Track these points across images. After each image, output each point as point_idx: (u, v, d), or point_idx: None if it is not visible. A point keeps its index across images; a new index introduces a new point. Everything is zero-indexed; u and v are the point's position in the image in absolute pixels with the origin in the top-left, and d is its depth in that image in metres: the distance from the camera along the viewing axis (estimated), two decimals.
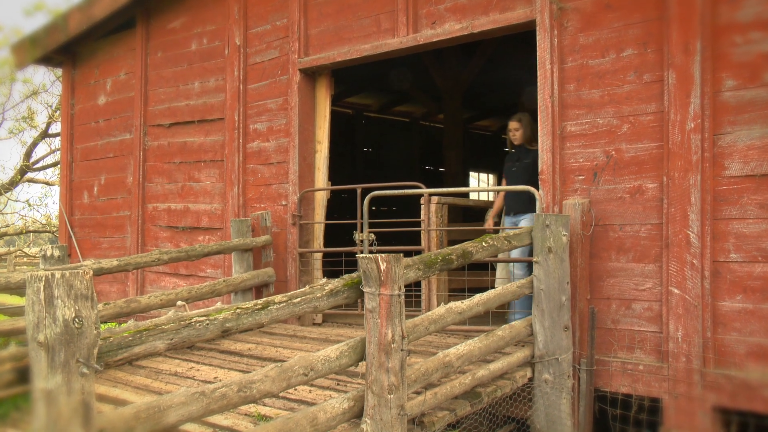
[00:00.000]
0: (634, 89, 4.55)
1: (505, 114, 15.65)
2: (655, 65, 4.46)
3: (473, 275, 5.74)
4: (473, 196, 16.39)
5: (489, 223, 5.90)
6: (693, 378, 4.22)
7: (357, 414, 3.17)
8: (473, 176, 16.87)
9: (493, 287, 4.64)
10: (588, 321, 4.55)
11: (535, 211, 5.35)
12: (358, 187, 5.90)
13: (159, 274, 7.51)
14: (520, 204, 5.60)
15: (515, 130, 5.68)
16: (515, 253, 5.22)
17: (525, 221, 5.58)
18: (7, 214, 20.66)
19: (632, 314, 4.51)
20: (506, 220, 5.75)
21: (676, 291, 4.30)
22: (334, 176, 6.82)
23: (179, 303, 5.21)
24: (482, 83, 11.46)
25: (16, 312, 5.28)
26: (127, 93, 8.01)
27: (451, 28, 5.40)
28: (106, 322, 6.32)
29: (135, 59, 7.86)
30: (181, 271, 7.31)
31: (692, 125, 4.27)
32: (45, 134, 18.58)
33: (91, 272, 2.23)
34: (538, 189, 4.85)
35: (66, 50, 8.46)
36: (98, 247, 8.24)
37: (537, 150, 5.17)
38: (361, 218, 5.58)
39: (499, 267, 5.78)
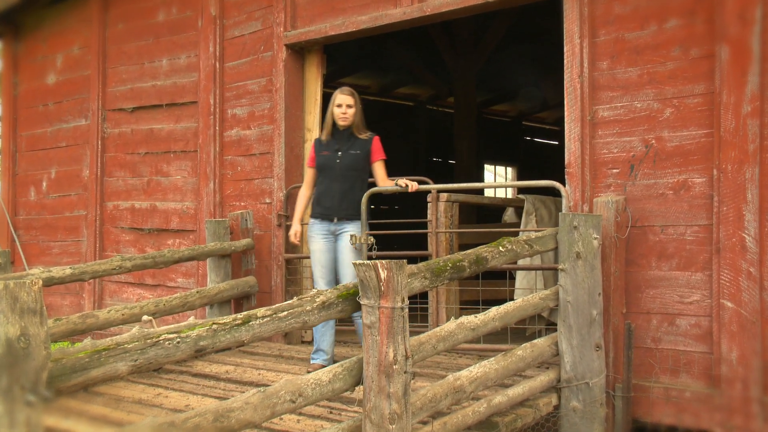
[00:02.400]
0: (679, 67, 4.53)
1: (526, 98, 15.64)
2: (704, 38, 4.45)
3: (489, 285, 5.72)
4: (489, 192, 16.37)
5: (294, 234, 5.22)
6: (751, 408, 4.20)
7: None
8: (489, 169, 16.88)
9: (512, 299, 4.63)
10: (624, 339, 4.54)
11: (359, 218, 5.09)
12: None
13: (121, 285, 7.50)
14: (348, 206, 5.08)
15: (348, 107, 5.05)
16: None
17: (350, 232, 5.04)
18: None
19: (676, 331, 4.49)
20: (318, 228, 5.11)
21: (729, 304, 4.29)
22: None
23: (145, 318, 5.19)
24: (499, 61, 11.45)
25: None
26: (81, 71, 7.99)
27: None
28: (57, 341, 6.31)
29: (91, 31, 7.85)
30: (146, 281, 7.29)
31: (749, 108, 4.25)
32: None
33: (40, 282, 2.22)
34: (567, 184, 4.83)
35: (6, 19, 8.44)
36: (48, 252, 8.22)
37: (368, 140, 5.07)
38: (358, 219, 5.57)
39: (519, 276, 5.77)
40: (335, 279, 5.12)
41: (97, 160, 7.74)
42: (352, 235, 5.04)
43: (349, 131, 5.12)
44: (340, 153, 5.10)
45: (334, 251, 5.12)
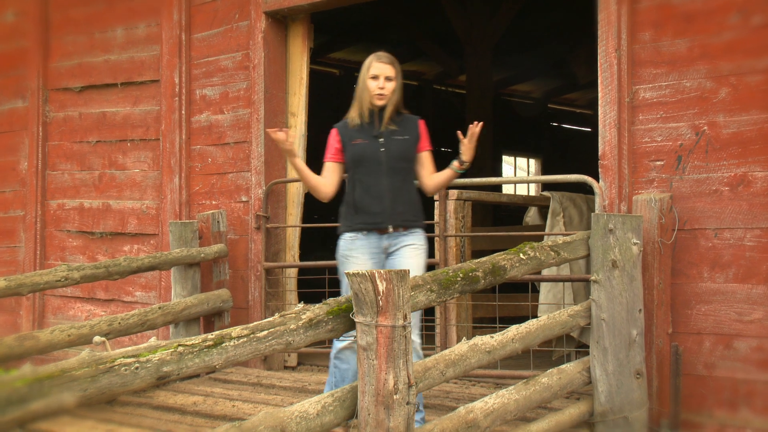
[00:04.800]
0: (738, 37, 4.53)
1: (552, 76, 15.63)
2: None
3: (507, 299, 5.73)
4: (508, 189, 16.37)
5: None
6: None
7: None
8: (508, 161, 16.91)
9: (535, 316, 4.63)
10: (670, 365, 4.54)
11: (420, 225, 4.54)
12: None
13: (67, 299, 7.49)
14: (406, 209, 4.45)
15: (387, 80, 4.47)
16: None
17: (413, 245, 4.41)
18: None
19: (734, 356, 4.49)
20: (362, 243, 4.40)
21: None
22: (314, 162, 6.80)
23: (96, 339, 5.13)
24: (520, 33, 11.47)
25: None
26: (17, 41, 7.97)
27: None
28: None
29: None
30: (98, 295, 7.28)
31: None
32: None
33: None
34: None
35: None
36: None
37: (414, 122, 4.58)
38: None
39: (544, 288, 5.77)
40: None
41: (38, 149, 7.73)
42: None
43: (384, 111, 4.49)
44: (382, 140, 4.46)
45: None
